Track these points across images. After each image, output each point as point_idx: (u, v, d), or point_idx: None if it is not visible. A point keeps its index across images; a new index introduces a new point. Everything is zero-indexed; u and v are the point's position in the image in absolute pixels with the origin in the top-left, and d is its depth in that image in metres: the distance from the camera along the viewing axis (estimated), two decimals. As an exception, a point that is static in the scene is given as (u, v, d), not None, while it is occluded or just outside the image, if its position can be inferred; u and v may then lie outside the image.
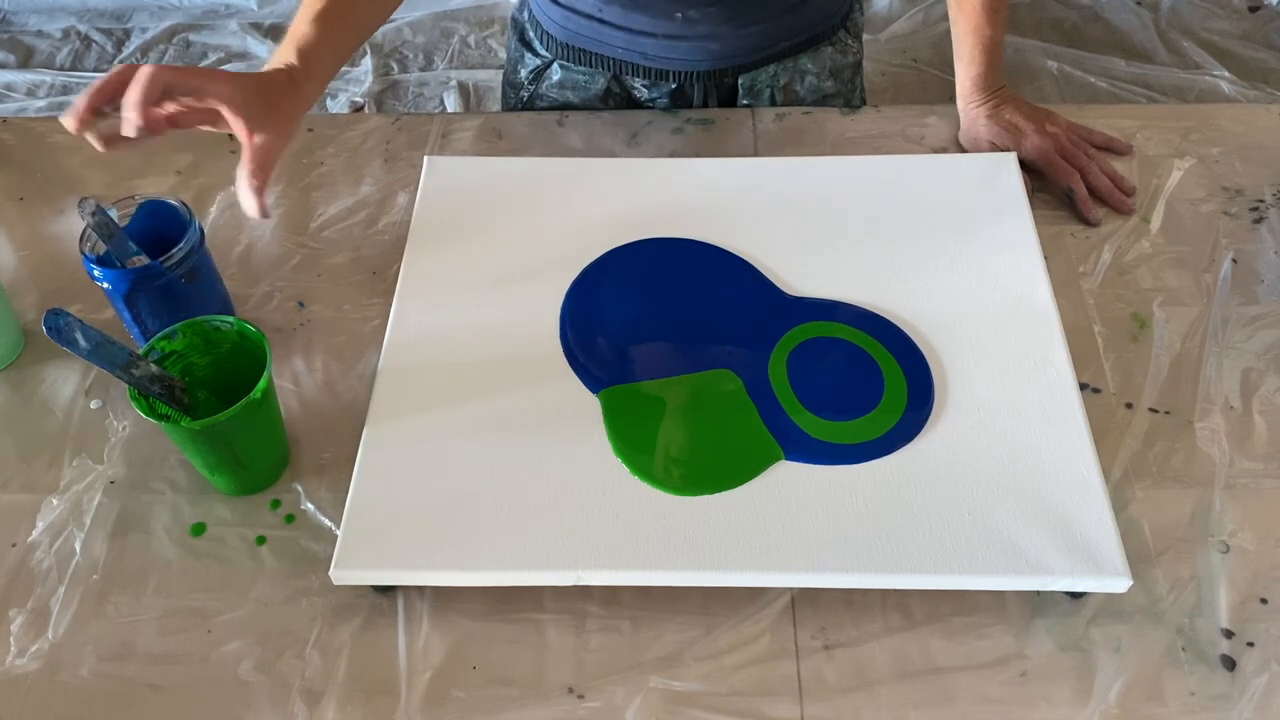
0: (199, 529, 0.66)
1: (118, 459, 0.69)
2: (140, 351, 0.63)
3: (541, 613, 0.62)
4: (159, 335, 0.65)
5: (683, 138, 0.90)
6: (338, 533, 0.62)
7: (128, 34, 2.11)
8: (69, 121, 0.62)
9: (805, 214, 0.79)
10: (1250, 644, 0.60)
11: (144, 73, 0.62)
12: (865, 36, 1.32)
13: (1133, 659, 0.59)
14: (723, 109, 0.93)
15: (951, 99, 0.91)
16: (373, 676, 0.59)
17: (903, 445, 0.65)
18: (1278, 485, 0.67)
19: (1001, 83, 0.88)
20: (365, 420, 0.66)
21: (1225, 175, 0.86)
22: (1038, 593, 0.62)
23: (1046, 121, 0.87)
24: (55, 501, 0.67)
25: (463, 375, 0.69)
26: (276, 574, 0.64)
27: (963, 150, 0.89)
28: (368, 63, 2.00)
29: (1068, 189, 0.83)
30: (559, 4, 0.94)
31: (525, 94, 1.00)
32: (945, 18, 0.91)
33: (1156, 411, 0.70)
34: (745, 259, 0.76)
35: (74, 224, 0.75)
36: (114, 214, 0.69)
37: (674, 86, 0.95)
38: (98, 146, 0.64)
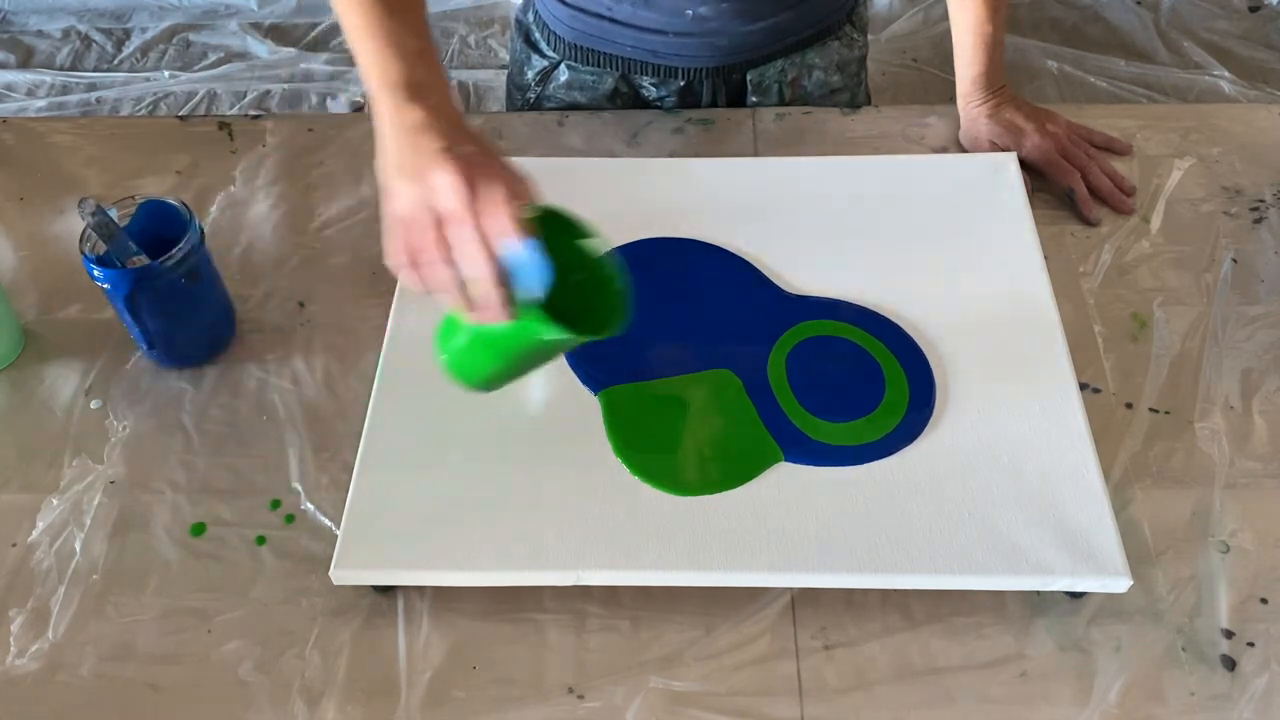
0: (199, 529, 0.66)
1: (118, 459, 0.69)
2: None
3: (541, 613, 0.62)
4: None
5: (683, 138, 0.90)
6: (338, 533, 0.62)
7: (128, 34, 2.11)
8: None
9: (805, 214, 0.79)
10: (1250, 644, 0.60)
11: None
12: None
13: (1133, 659, 0.59)
14: (723, 109, 0.93)
15: (952, 99, 0.91)
16: (373, 676, 0.59)
17: (903, 447, 0.65)
18: (1278, 485, 0.67)
19: (1002, 82, 0.88)
20: (365, 420, 0.67)
21: (1225, 175, 0.86)
22: (1038, 593, 0.61)
23: (1047, 121, 0.87)
24: (55, 501, 0.67)
25: (463, 375, 0.69)
26: (276, 574, 0.64)
27: (963, 150, 0.88)
28: (368, 63, 2.00)
29: (1068, 189, 0.83)
30: (567, 4, 0.94)
31: (532, 95, 1.00)
32: (945, 17, 0.90)
33: (1156, 411, 0.70)
34: (745, 259, 0.76)
35: (74, 224, 0.75)
36: (114, 214, 0.69)
37: (683, 84, 0.95)
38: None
